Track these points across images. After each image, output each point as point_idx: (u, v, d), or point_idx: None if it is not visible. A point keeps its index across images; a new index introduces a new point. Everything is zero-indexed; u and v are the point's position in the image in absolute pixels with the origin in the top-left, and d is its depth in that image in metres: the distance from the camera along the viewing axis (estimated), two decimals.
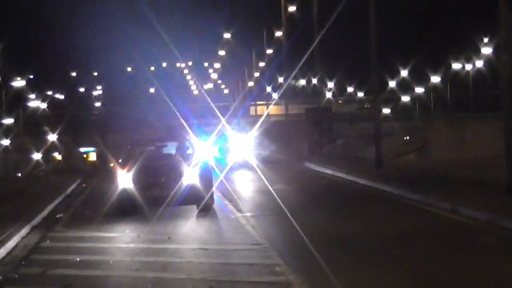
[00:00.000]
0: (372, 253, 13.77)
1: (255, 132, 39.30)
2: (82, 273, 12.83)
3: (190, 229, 18.03)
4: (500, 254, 13.16)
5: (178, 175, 20.01)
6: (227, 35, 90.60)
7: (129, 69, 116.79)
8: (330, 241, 15.26)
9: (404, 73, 74.70)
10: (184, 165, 20.22)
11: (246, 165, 35.56)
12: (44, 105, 74.61)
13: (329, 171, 34.50)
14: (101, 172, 35.70)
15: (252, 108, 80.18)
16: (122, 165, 20.85)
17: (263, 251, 14.13)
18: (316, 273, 11.82)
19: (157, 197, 19.76)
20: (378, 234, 16.27)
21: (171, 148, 22.36)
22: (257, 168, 32.15)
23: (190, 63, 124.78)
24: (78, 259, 14.10)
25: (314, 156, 45.62)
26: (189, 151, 21.86)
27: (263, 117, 55.12)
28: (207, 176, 20.60)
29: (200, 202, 19.94)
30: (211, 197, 20.60)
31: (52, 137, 61.65)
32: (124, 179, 20.05)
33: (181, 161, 20.49)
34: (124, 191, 19.88)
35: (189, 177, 19.87)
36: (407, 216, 19.28)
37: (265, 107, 78.62)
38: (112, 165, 26.24)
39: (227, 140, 34.90)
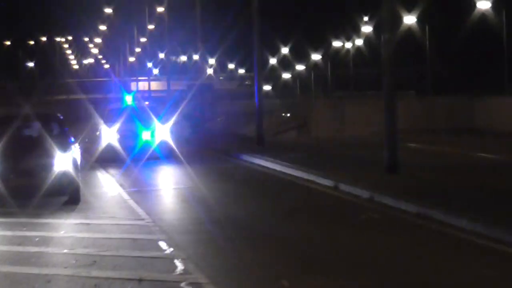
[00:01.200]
0: (253, 230, 14.14)
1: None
2: None
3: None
4: (381, 229, 13.83)
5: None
6: (108, 10, 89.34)
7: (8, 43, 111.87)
8: (214, 220, 15.25)
9: (284, 50, 75.72)
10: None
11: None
12: None
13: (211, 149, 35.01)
14: None
15: (133, 84, 79.30)
16: None
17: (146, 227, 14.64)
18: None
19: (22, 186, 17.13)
20: (261, 212, 16.62)
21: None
22: None
23: (70, 38, 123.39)
24: None
25: (195, 134, 45.05)
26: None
27: None
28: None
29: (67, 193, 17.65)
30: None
31: None
32: None
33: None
34: None
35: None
36: (291, 193, 19.82)
37: (146, 82, 78.72)
38: None
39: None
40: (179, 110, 33.11)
